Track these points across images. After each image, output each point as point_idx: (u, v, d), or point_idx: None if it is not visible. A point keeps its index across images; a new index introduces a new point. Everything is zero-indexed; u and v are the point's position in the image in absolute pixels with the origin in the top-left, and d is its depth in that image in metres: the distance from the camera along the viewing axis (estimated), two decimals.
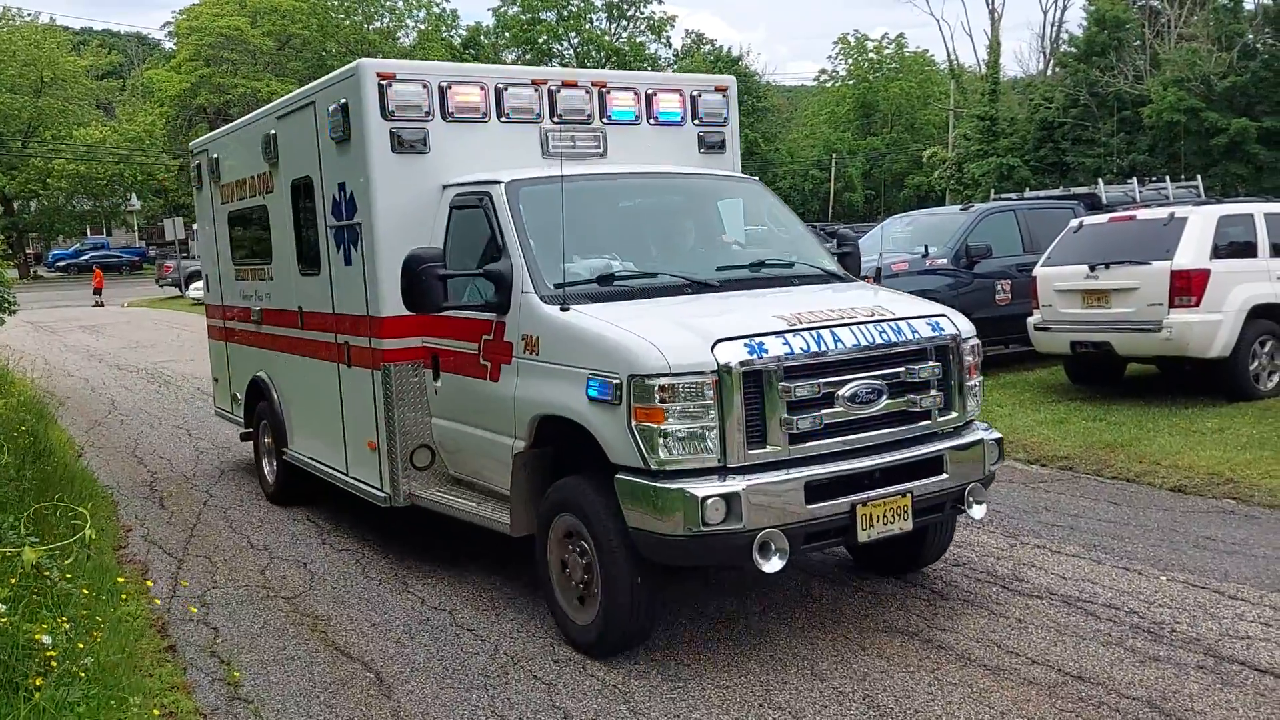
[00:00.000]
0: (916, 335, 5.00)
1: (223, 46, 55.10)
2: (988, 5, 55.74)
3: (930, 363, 4.99)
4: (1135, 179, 18.52)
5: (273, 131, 7.53)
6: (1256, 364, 10.08)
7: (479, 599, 5.85)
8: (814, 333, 4.73)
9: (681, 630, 5.25)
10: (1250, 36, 29.48)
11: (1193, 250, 9.91)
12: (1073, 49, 35.19)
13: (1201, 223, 10.10)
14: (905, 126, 54.05)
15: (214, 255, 9.30)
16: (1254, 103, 28.31)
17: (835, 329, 4.79)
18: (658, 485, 4.45)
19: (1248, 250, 10.25)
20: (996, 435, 5.31)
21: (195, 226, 10.14)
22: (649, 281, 5.38)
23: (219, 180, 8.89)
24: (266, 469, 8.42)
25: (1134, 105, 30.75)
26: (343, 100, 6.25)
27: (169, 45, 65.84)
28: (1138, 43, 33.25)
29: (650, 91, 6.81)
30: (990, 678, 4.57)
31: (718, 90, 7.12)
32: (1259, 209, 10.73)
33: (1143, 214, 10.98)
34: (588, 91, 6.57)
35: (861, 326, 4.87)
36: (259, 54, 56.60)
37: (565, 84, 6.52)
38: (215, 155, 8.95)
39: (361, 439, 6.59)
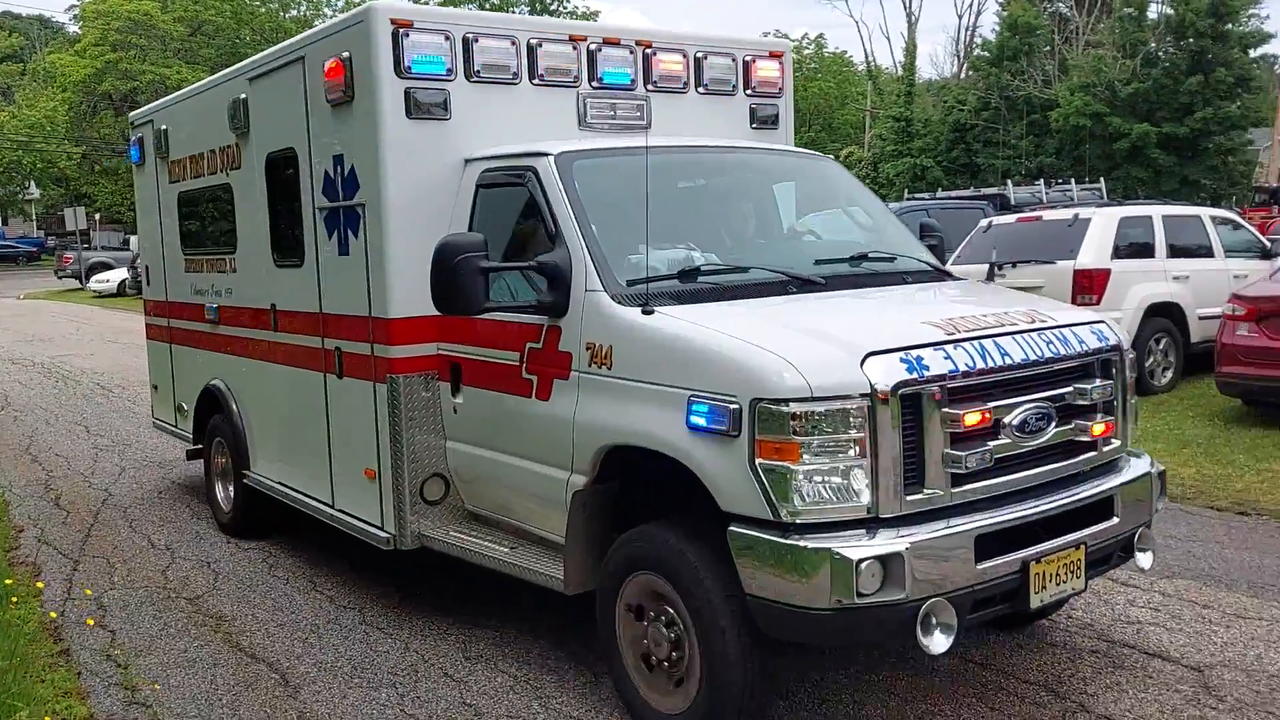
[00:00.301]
0: (1085, 347, 4.14)
1: (131, 31, 53.25)
2: (905, 8, 57.00)
3: (1098, 380, 4.11)
4: (1042, 180, 19.14)
5: (243, 96, 6.43)
6: (1152, 360, 10.52)
7: (389, 597, 5.76)
8: (976, 344, 3.82)
9: (593, 625, 5.23)
10: (1153, 45, 30.65)
11: (1094, 250, 10.30)
12: (986, 53, 36.13)
13: (1103, 224, 10.50)
14: (823, 126, 54.77)
15: (158, 243, 8.09)
16: (1155, 109, 29.46)
17: (999, 339, 3.90)
18: (792, 543, 3.48)
19: (1146, 251, 10.69)
20: (1160, 467, 4.47)
21: (135, 210, 8.87)
22: (741, 277, 4.46)
23: (167, 156, 7.73)
24: (220, 494, 7.28)
25: (1043, 109, 31.77)
26: (345, 54, 5.25)
27: (74, 29, 63.50)
28: (1047, 49, 34.32)
29: (700, 54, 5.97)
30: (895, 667, 4.66)
31: (773, 56, 6.30)
32: (1157, 211, 11.22)
33: (1049, 215, 11.37)
34: (631, 52, 5.72)
35: (1026, 336, 3.99)
36: (169, 40, 54.86)
37: (607, 41, 5.66)
38: (163, 127, 7.77)
39: (355, 466, 5.59)
